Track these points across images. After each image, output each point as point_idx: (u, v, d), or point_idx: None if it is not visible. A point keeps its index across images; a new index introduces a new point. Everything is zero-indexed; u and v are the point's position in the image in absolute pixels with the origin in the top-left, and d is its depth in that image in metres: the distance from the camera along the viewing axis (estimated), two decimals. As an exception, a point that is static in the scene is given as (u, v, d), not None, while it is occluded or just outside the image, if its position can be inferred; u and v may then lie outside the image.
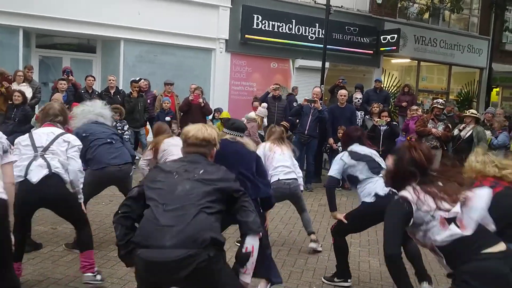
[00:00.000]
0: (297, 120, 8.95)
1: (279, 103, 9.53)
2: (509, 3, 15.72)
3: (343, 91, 9.14)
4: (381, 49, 14.42)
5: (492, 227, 2.53)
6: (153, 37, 11.47)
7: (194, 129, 2.76)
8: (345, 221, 4.12)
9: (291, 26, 12.96)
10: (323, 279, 4.40)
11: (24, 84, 8.69)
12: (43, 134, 3.85)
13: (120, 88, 9.95)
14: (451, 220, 2.39)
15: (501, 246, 2.34)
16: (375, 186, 3.99)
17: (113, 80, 9.48)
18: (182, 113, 9.58)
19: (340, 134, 8.54)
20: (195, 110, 9.20)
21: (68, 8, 10.37)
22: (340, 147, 8.49)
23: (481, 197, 2.48)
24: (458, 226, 2.38)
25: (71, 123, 4.77)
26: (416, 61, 16.09)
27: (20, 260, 3.76)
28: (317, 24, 13.15)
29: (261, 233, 2.59)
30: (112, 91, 9.36)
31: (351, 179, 4.23)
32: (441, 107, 8.68)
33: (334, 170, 4.25)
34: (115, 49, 11.53)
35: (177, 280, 2.35)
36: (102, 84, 10.98)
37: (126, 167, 4.88)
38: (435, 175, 2.58)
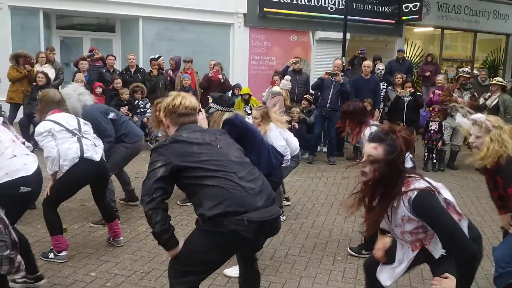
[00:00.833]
0: (319, 93, 8.87)
1: (299, 76, 9.42)
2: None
3: (367, 62, 8.97)
4: (403, 18, 14.06)
5: None
6: (171, 14, 11.43)
7: (179, 99, 2.69)
8: None
9: (310, -3, 12.72)
10: (349, 250, 4.41)
11: (46, 65, 8.81)
12: (68, 118, 4.04)
13: (140, 67, 9.99)
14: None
15: None
16: None
17: (133, 59, 9.52)
18: (202, 90, 9.58)
19: (367, 106, 8.45)
20: (215, 87, 9.19)
21: (86, -13, 10.40)
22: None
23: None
24: None
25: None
26: (440, 29, 15.66)
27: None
28: (337, -5, 12.90)
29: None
30: (132, 70, 9.41)
31: None
32: (467, 75, 8.47)
33: None
34: (134, 28, 11.54)
35: (273, 234, 2.69)
36: (122, 63, 11.04)
37: None
38: None
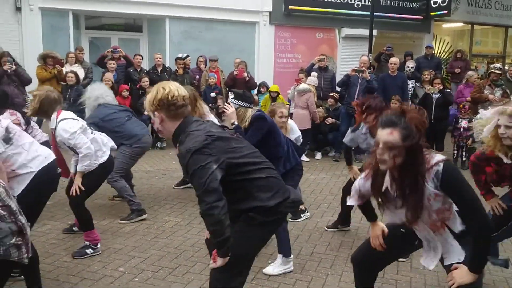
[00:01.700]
0: (344, 91, 8.80)
1: (325, 74, 9.36)
2: None
3: (393, 59, 8.83)
4: (431, 13, 13.76)
5: None
6: (197, 14, 11.49)
7: (175, 89, 2.41)
8: None
9: (336, -6, 12.60)
10: (326, 228, 4.85)
11: (76, 65, 8.99)
12: (77, 118, 4.14)
13: (166, 66, 10.09)
14: None
15: None
16: None
17: (159, 58, 9.62)
18: (228, 88, 9.61)
19: (394, 104, 8.33)
20: (240, 85, 9.19)
21: (114, -12, 10.57)
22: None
23: None
24: None
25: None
26: (469, 25, 15.27)
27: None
28: (363, -9, 12.75)
29: None
30: (159, 69, 9.52)
31: None
32: (498, 72, 8.25)
33: None
34: (161, 27, 11.66)
35: None
36: (149, 62, 11.18)
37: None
38: None
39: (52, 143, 4.12)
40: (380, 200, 2.43)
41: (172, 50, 11.42)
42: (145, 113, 8.44)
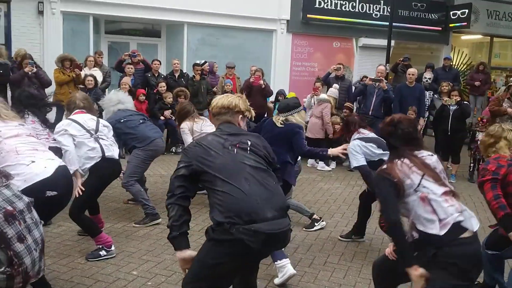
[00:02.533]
0: (358, 101, 8.76)
1: (342, 83, 9.34)
2: None
3: (412, 70, 8.77)
4: (450, 25, 13.67)
5: None
6: (215, 20, 11.58)
7: (216, 100, 2.80)
8: None
9: (354, 4, 12.58)
10: (339, 237, 4.92)
11: (95, 68, 9.10)
12: (87, 119, 4.21)
13: (184, 71, 10.17)
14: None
15: (469, 232, 2.43)
16: None
17: (177, 64, 9.70)
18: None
19: (410, 115, 8.26)
20: (256, 92, 9.23)
21: (134, -6, 10.72)
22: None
23: None
24: None
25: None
26: (489, 37, 15.12)
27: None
28: (382, 1, 12.71)
29: None
30: (176, 74, 9.59)
31: None
32: (518, 85, 8.14)
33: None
34: (179, 33, 11.77)
35: (281, 247, 2.75)
36: (167, 67, 11.28)
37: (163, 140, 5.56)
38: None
39: None
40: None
41: (190, 56, 11.52)
42: (162, 118, 8.54)
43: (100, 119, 4.42)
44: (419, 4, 13.32)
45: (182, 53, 11.62)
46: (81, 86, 8.44)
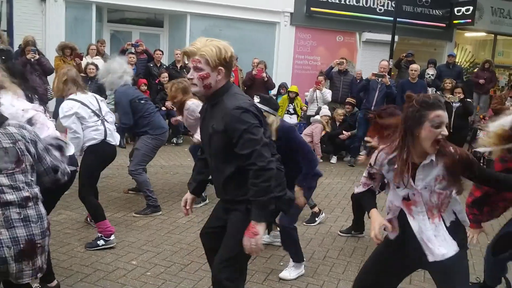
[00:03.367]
0: (362, 95, 8.73)
1: (344, 77, 9.31)
2: None
3: (414, 66, 8.72)
4: (454, 22, 13.61)
5: None
6: (218, 11, 11.52)
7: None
8: None
9: (358, -2, 12.54)
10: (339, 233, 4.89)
11: (97, 57, 9.05)
12: (90, 98, 4.16)
13: (186, 62, 10.12)
14: None
15: None
16: None
17: (179, 54, 9.65)
18: (245, 88, 9.61)
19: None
20: (258, 85, 9.21)
21: (138, -17, 10.65)
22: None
23: None
24: None
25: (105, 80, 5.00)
26: (492, 35, 15.07)
27: None
28: (386, -4, 12.66)
29: None
30: (178, 65, 9.55)
31: None
32: (521, 83, 8.11)
33: None
34: (182, 23, 11.71)
35: None
36: (169, 57, 11.23)
37: None
38: None
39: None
40: (402, 176, 2.34)
41: (192, 46, 11.47)
42: (163, 108, 8.51)
43: (97, 97, 4.31)
44: (423, 0, 13.25)
45: (184, 43, 11.54)
46: (83, 74, 8.39)
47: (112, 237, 4.12)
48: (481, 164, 7.76)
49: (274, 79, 10.25)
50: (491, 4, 14.26)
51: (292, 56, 12.54)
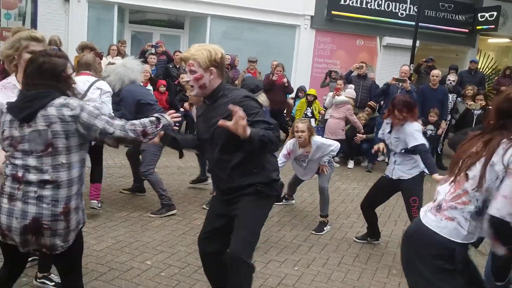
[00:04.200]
0: (382, 101, 8.65)
1: (364, 82, 9.23)
2: None
3: (436, 71, 8.60)
4: (477, 27, 13.40)
5: None
6: (239, 14, 11.56)
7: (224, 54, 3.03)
8: None
9: (380, 2, 12.42)
10: (354, 238, 4.53)
11: (117, 57, 9.14)
12: (79, 82, 4.14)
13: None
14: None
15: None
16: None
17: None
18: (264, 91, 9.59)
19: (432, 117, 8.13)
20: (277, 89, 9.17)
21: (159, -16, 10.75)
22: (430, 130, 8.12)
23: None
24: None
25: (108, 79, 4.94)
26: (516, 41, 14.80)
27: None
28: (408, 0, 12.53)
29: None
30: (198, 66, 9.57)
31: None
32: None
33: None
34: (202, 25, 11.78)
35: None
36: (188, 59, 11.30)
37: None
38: None
39: None
40: None
41: (212, 48, 11.52)
42: (181, 109, 8.55)
43: (97, 82, 4.46)
44: (446, 5, 13.08)
45: (204, 45, 11.63)
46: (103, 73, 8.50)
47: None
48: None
49: (292, 82, 10.22)
50: (516, 10, 13.99)
51: (311, 59, 12.51)
